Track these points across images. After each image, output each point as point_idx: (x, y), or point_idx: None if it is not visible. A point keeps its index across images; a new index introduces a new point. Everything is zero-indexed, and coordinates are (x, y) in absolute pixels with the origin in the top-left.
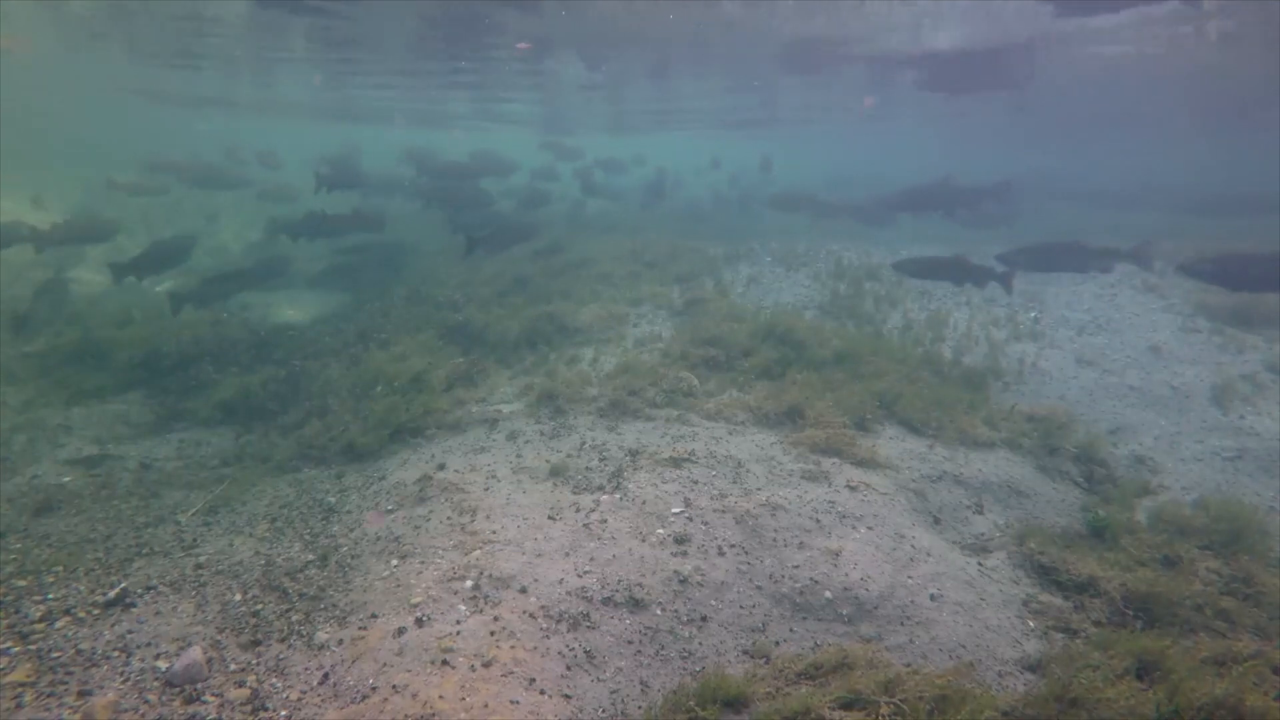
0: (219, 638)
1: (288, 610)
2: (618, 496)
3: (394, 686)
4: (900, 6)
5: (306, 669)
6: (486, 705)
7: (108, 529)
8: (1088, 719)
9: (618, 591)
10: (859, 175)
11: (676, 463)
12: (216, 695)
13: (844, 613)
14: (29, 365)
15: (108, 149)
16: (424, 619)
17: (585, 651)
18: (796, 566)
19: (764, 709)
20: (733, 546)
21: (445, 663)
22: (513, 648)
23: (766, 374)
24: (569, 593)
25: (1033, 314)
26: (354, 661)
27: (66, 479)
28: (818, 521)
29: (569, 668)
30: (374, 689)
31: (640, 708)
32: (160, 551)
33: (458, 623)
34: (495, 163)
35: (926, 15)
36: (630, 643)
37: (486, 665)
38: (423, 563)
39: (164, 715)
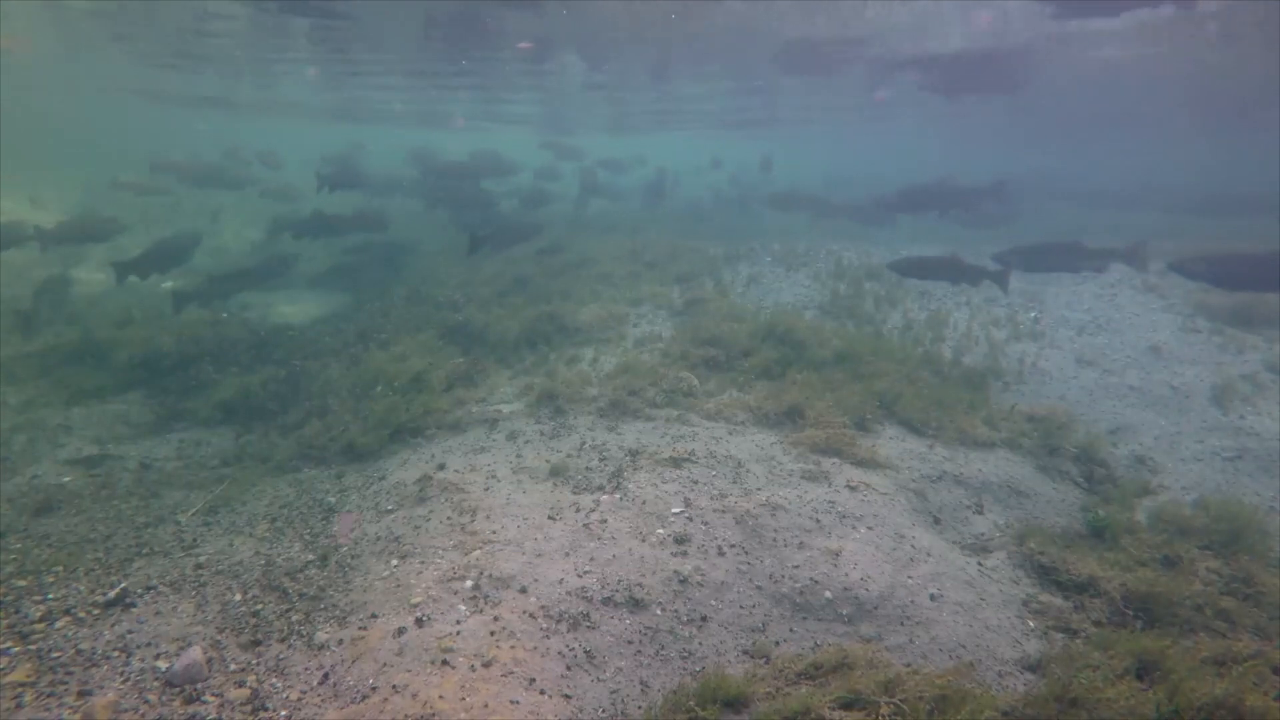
0: (219, 638)
1: (288, 610)
2: (618, 496)
3: (394, 686)
4: (901, 7)
5: (306, 669)
6: (486, 705)
7: (108, 529)
8: (1088, 719)
9: (618, 591)
10: (859, 175)
11: (676, 463)
12: (216, 695)
13: (844, 613)
14: (29, 365)
15: (107, 149)
16: (424, 619)
17: (585, 651)
18: (796, 566)
19: (764, 709)
20: (733, 546)
21: (445, 663)
22: (513, 648)
23: (766, 374)
24: (569, 593)
25: (1033, 314)
26: (354, 661)
27: (66, 479)
28: (818, 521)
29: (569, 668)
30: (374, 689)
31: (640, 708)
32: (160, 551)
33: (458, 623)
34: (498, 163)
35: (928, 16)
36: (630, 643)
37: (486, 665)
38: (423, 563)
39: (164, 715)
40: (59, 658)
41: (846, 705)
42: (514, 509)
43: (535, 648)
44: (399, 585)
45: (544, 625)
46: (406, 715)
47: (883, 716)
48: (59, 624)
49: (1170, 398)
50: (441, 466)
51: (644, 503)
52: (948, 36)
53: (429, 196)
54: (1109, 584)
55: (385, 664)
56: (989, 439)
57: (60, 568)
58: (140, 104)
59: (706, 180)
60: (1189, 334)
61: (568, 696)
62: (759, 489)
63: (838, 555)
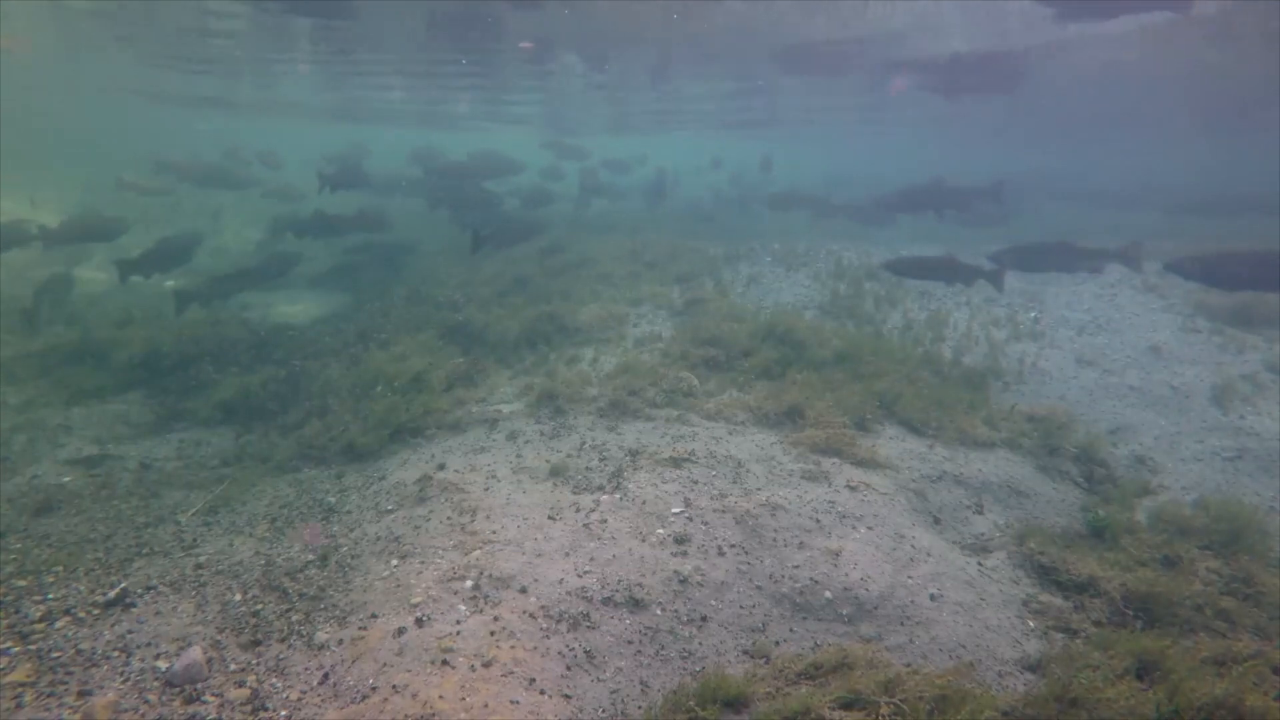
0: (219, 638)
1: (288, 610)
2: (618, 496)
3: (394, 686)
4: (901, 7)
5: (306, 669)
6: (486, 705)
7: (108, 529)
8: (1088, 719)
9: (618, 591)
10: (859, 175)
11: (676, 463)
12: (216, 695)
13: (844, 613)
14: (29, 365)
15: (108, 149)
16: (424, 619)
17: (585, 651)
18: (796, 566)
19: (764, 709)
20: (733, 546)
21: (445, 663)
22: (513, 648)
23: (766, 374)
24: (569, 593)
25: (1033, 314)
26: (354, 661)
27: (66, 479)
28: (818, 521)
29: (569, 668)
30: (374, 689)
31: (640, 708)
32: (160, 551)
33: (458, 623)
34: (501, 163)
35: (928, 16)
36: (630, 643)
37: (486, 665)
38: (423, 563)
39: (164, 715)
40: (59, 658)
41: (846, 705)
42: (514, 509)
43: (535, 648)
44: (399, 585)
45: (544, 625)
46: (406, 715)
47: (883, 716)
48: (59, 624)
49: (1170, 398)
50: (441, 466)
51: (644, 503)
52: (949, 38)
53: (431, 196)
54: (1109, 584)
55: (385, 664)
56: (989, 439)
57: (60, 568)
58: (140, 104)
59: (707, 180)
60: (1189, 334)
61: (568, 696)
62: (759, 489)
63: (838, 555)
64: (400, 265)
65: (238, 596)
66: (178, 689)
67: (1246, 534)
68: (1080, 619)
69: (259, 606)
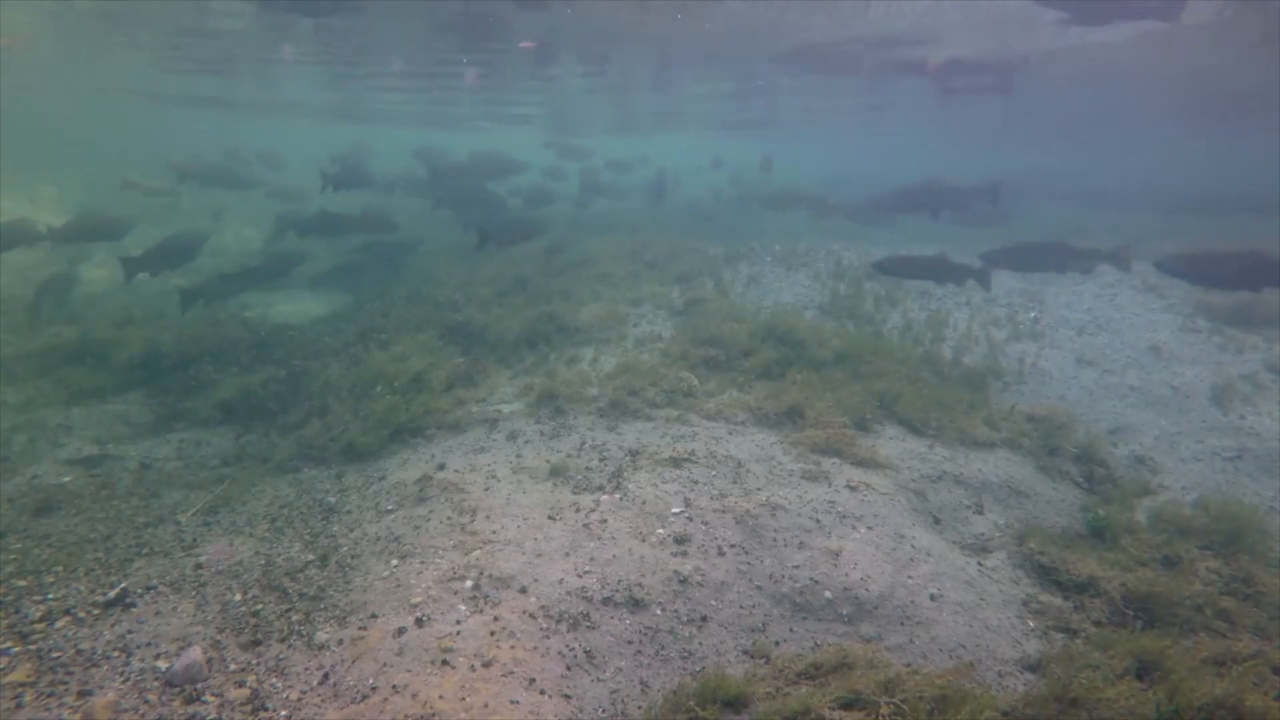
0: (219, 638)
1: (288, 610)
2: (618, 496)
3: (394, 686)
4: (903, 7)
5: (306, 669)
6: (486, 705)
7: (108, 529)
8: (1088, 719)
9: (618, 591)
10: (858, 175)
11: (676, 463)
12: (216, 695)
13: (844, 613)
14: (29, 365)
15: (108, 149)
16: (424, 619)
17: (585, 651)
18: (796, 566)
19: (764, 709)
20: (733, 546)
21: (445, 663)
22: (513, 648)
23: (766, 374)
24: (569, 593)
25: (1033, 314)
26: (354, 661)
27: (66, 479)
28: (818, 521)
29: (569, 668)
30: (374, 689)
31: (640, 708)
32: (160, 551)
33: (458, 623)
34: (503, 163)
35: (928, 16)
36: (630, 643)
37: (486, 665)
38: (423, 563)
39: (164, 715)
40: (59, 658)
41: (846, 705)
42: (514, 509)
43: (535, 648)
44: (399, 585)
45: (544, 625)
46: (406, 715)
47: (883, 716)
48: (59, 624)
49: (1170, 398)
50: (441, 466)
51: (644, 503)
52: (950, 38)
53: (434, 196)
54: (1109, 584)
55: (385, 664)
56: (989, 439)
57: (60, 568)
58: (140, 104)
59: (707, 180)
60: (1189, 334)
61: (568, 696)
62: (759, 489)
63: (838, 555)
64: (400, 265)
65: (238, 596)
66: (178, 689)
67: (1246, 534)
68: (1080, 619)
69: (259, 606)
